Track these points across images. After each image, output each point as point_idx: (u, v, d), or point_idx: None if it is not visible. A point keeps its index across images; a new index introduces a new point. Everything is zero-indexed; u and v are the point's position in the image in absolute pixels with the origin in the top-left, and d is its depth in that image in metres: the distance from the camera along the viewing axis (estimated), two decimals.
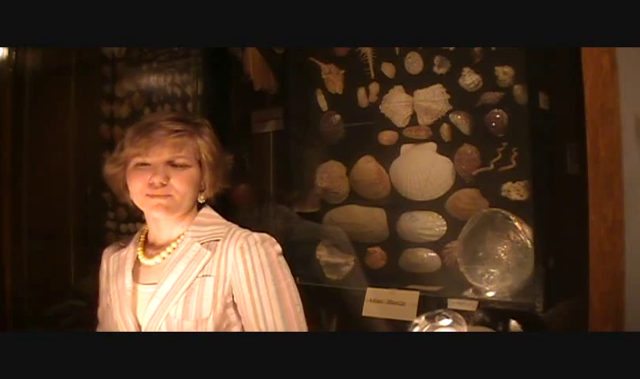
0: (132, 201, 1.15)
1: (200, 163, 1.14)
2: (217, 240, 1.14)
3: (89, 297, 1.68)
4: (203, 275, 1.11)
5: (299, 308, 1.13)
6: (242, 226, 1.19)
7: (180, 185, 1.11)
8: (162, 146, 1.09)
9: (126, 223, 2.11)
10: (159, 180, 1.08)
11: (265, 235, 1.15)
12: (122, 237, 1.71)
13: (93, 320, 1.30)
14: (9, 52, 2.01)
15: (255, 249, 1.12)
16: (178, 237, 1.16)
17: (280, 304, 1.10)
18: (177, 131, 1.11)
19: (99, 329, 1.28)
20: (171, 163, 1.11)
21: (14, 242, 1.99)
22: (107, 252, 1.27)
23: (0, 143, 1.98)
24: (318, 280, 1.74)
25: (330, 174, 1.82)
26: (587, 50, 1.14)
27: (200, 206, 1.19)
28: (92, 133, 2.19)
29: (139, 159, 1.11)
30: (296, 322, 1.11)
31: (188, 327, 1.09)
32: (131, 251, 1.20)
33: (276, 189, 1.96)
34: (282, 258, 1.15)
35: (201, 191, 1.17)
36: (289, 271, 1.15)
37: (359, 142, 1.76)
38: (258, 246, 1.12)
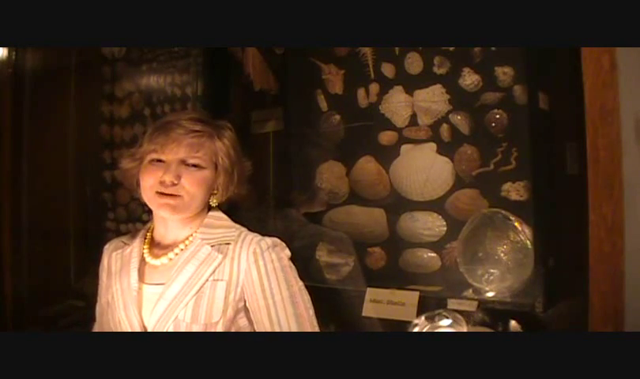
0: (142, 198, 1.15)
1: (216, 165, 1.14)
2: (228, 243, 1.13)
3: (89, 297, 1.69)
4: (214, 279, 1.10)
5: (311, 311, 1.13)
6: (243, 225, 1.19)
7: (191, 186, 1.10)
8: (178, 145, 1.09)
9: (126, 224, 2.11)
10: (170, 178, 1.08)
11: (277, 240, 1.15)
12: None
13: (92, 319, 1.30)
14: (9, 52, 2.01)
15: (268, 253, 1.11)
16: (187, 238, 1.15)
17: (294, 308, 1.10)
18: (196, 131, 1.10)
19: (97, 327, 1.27)
20: (185, 163, 1.10)
21: (14, 242, 1.99)
22: (108, 248, 1.26)
23: (0, 143, 1.98)
24: (317, 281, 1.74)
25: (330, 175, 1.82)
26: (587, 50, 1.14)
27: (209, 208, 1.18)
28: (92, 133, 2.19)
29: (154, 155, 1.11)
30: (309, 325, 1.12)
31: (197, 331, 1.09)
32: (136, 249, 1.18)
33: (275, 190, 1.96)
34: (291, 262, 1.15)
35: (213, 194, 1.16)
36: (297, 274, 1.15)
37: (359, 142, 1.76)
38: (271, 251, 1.12)
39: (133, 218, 2.07)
